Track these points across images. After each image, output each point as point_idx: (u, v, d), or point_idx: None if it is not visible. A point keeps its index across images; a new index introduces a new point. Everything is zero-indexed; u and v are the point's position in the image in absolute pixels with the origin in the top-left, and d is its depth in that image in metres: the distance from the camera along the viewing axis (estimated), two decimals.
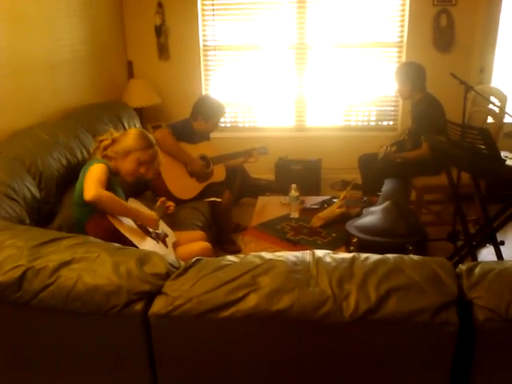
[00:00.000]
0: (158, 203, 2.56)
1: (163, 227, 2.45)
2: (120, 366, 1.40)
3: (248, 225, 3.07)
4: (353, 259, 1.34)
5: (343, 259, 1.34)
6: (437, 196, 3.89)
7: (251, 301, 1.23)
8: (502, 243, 2.64)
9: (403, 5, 4.18)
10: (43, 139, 2.53)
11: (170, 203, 2.60)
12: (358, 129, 4.61)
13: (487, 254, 3.17)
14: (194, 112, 3.43)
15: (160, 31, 4.27)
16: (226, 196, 3.29)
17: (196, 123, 3.42)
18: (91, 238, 1.55)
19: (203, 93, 4.46)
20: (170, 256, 1.47)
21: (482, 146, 2.34)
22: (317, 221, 2.84)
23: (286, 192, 3.16)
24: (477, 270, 1.30)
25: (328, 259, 1.34)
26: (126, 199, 2.43)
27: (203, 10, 4.33)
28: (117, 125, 3.28)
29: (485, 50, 4.13)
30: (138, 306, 1.29)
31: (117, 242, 1.56)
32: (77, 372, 1.44)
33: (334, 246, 2.56)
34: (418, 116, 3.44)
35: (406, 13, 4.15)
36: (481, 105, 3.50)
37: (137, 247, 2.00)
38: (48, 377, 1.49)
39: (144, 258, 1.40)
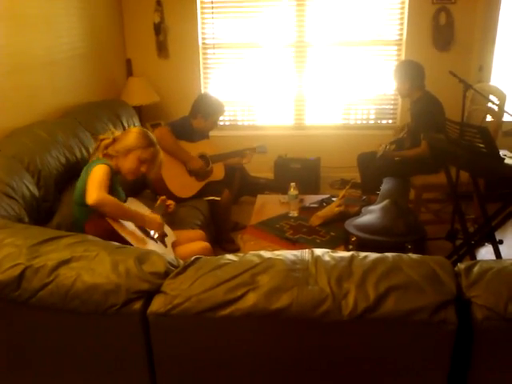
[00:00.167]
0: (159, 202, 2.56)
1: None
2: (119, 364, 1.40)
3: (247, 223, 3.07)
4: (352, 258, 1.34)
5: (342, 258, 1.34)
6: (436, 195, 3.89)
7: (250, 299, 1.24)
8: (501, 242, 2.64)
9: (402, 3, 4.18)
10: (42, 137, 2.52)
11: (171, 202, 2.60)
12: (357, 127, 4.60)
13: (486, 252, 3.17)
14: (194, 110, 3.43)
15: (159, 29, 4.26)
16: (225, 195, 3.29)
17: (195, 121, 3.42)
18: (90, 237, 1.55)
19: (202, 91, 4.45)
20: (169, 255, 1.47)
21: (481, 145, 2.33)
22: (316, 219, 2.84)
23: (284, 191, 3.16)
24: (475, 268, 1.30)
25: (327, 258, 1.34)
26: (126, 198, 2.43)
27: (202, 7, 4.32)
28: (116, 123, 3.27)
29: (484, 49, 4.13)
30: (137, 305, 1.29)
31: None
32: (76, 371, 1.45)
33: (332, 245, 2.57)
34: (417, 114, 3.44)
35: (406, 11, 4.15)
36: (480, 103, 3.50)
37: None
38: (47, 375, 1.49)
39: (143, 256, 1.40)
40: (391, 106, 4.54)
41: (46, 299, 1.33)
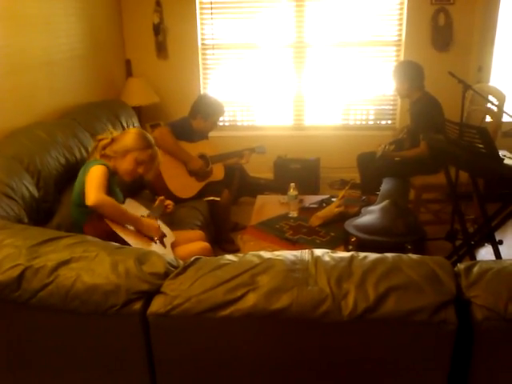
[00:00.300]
0: (157, 202, 2.55)
1: (162, 227, 2.44)
2: (119, 365, 1.40)
3: (247, 224, 3.07)
4: (351, 258, 1.34)
5: (342, 258, 1.34)
6: (435, 195, 3.89)
7: (250, 300, 1.23)
8: (501, 242, 2.64)
9: (401, 3, 4.18)
10: (41, 138, 2.52)
11: (169, 202, 2.60)
12: (356, 128, 4.60)
13: (486, 253, 3.18)
14: (193, 111, 3.43)
15: (158, 30, 4.26)
16: (224, 195, 3.29)
17: (195, 122, 3.42)
18: (89, 238, 1.55)
19: (202, 91, 4.46)
20: (169, 256, 1.47)
21: (481, 145, 2.34)
22: (315, 220, 2.84)
23: (284, 191, 3.16)
24: (475, 269, 1.30)
25: (327, 258, 1.34)
26: (124, 199, 2.43)
27: (201, 8, 4.32)
28: (115, 124, 3.27)
29: (483, 49, 4.13)
30: (137, 306, 1.29)
31: None
32: (76, 371, 1.44)
33: (332, 245, 2.57)
34: (417, 115, 3.44)
35: (405, 11, 4.16)
36: (479, 104, 3.51)
37: None
38: (47, 376, 1.49)
39: (143, 257, 1.40)
40: (390, 107, 4.55)
41: (46, 300, 1.33)
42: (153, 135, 3.24)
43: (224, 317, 1.23)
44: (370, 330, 1.22)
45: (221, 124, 4.50)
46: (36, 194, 2.29)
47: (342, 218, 2.77)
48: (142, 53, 4.38)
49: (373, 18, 4.27)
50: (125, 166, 2.32)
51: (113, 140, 2.36)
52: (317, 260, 1.33)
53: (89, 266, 1.36)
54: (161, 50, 4.35)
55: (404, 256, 1.36)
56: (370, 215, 2.61)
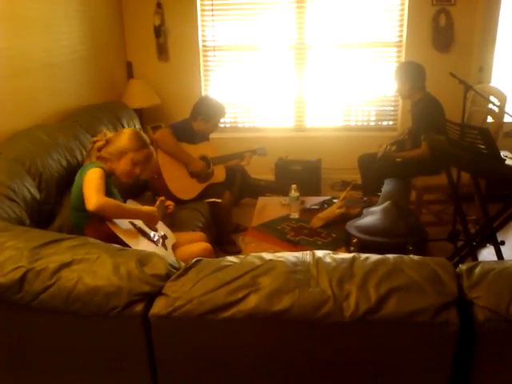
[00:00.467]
0: (158, 203, 2.55)
1: (163, 228, 2.44)
2: (120, 367, 1.40)
3: (248, 225, 3.07)
4: (353, 259, 1.34)
5: (343, 259, 1.34)
6: (437, 196, 3.89)
7: (251, 301, 1.23)
8: (503, 243, 2.64)
9: (402, 4, 4.18)
10: (43, 140, 2.53)
11: (170, 202, 2.60)
12: (357, 129, 4.60)
13: (487, 254, 3.17)
14: (194, 112, 3.43)
15: (159, 32, 4.27)
16: (226, 196, 3.29)
17: (196, 123, 3.42)
18: (91, 240, 1.55)
19: (203, 93, 4.46)
20: (170, 257, 1.47)
21: (482, 146, 2.34)
22: (317, 221, 2.84)
23: (285, 192, 3.16)
24: (477, 269, 1.30)
25: (328, 259, 1.34)
26: (125, 200, 2.42)
27: (202, 10, 4.33)
28: (116, 126, 3.28)
29: (484, 50, 4.13)
30: (139, 307, 1.29)
31: None
32: (77, 373, 1.44)
33: (334, 247, 2.56)
34: (418, 115, 3.44)
35: (405, 12, 4.16)
36: (480, 104, 3.50)
37: None
38: (48, 378, 1.49)
39: (144, 258, 1.40)
40: (392, 108, 4.55)
41: (48, 302, 1.33)
42: (154, 137, 3.25)
43: (225, 318, 1.23)
44: (371, 331, 1.22)
45: (222, 126, 4.51)
46: (37, 196, 2.30)
47: (343, 219, 2.77)
48: (143, 55, 4.39)
49: (374, 18, 4.27)
50: (121, 167, 2.30)
51: (107, 141, 2.32)
52: (318, 261, 1.33)
53: (90, 268, 1.36)
54: (162, 51, 4.36)
55: (405, 257, 1.36)
56: (372, 216, 2.60)
